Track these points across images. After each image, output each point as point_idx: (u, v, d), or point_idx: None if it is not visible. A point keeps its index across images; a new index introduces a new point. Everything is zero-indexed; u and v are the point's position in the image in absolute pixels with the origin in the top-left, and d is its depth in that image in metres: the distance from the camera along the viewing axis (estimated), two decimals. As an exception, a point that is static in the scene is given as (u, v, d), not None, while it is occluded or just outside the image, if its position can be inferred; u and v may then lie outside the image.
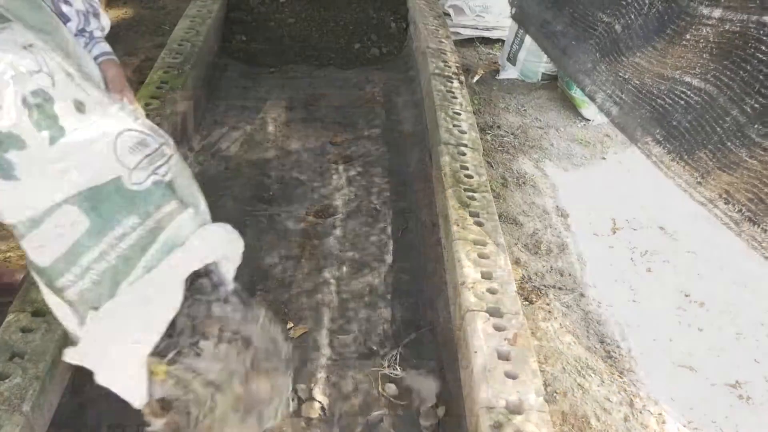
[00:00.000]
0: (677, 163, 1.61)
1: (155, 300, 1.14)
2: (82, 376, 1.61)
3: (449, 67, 2.84)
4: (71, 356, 1.15)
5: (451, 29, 3.73)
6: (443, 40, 3.11)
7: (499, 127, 3.35)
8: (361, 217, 2.35)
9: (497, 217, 1.98)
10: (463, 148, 2.28)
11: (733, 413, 1.93)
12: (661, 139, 1.68)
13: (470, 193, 2.05)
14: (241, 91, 3.16)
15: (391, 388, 1.69)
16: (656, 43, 1.70)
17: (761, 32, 1.35)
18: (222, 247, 1.26)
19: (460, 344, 1.63)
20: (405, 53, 3.50)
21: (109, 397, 1.62)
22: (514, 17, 2.97)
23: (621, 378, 2.03)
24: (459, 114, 2.49)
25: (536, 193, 2.85)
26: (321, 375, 1.73)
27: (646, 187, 2.86)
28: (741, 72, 1.42)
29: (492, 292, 1.68)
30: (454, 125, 2.41)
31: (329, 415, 1.63)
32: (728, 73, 1.47)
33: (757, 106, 1.36)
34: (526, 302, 2.27)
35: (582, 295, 2.33)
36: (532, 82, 3.77)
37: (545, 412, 1.38)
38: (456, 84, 2.72)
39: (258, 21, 3.59)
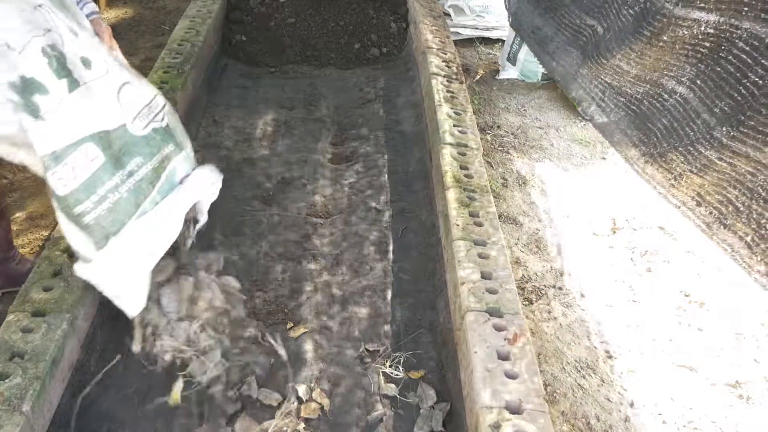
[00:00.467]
0: (651, 165, 1.61)
1: (161, 229, 1.38)
2: (82, 376, 1.62)
3: (449, 67, 2.84)
4: (81, 271, 1.38)
5: (451, 29, 3.74)
6: (443, 40, 3.11)
7: (499, 127, 3.35)
8: (361, 217, 2.35)
9: (497, 217, 1.98)
10: (463, 148, 2.28)
11: (733, 413, 1.94)
12: (637, 142, 1.68)
13: (470, 193, 2.05)
14: (241, 91, 3.16)
15: (391, 388, 1.69)
16: (634, 45, 1.71)
17: (734, 35, 1.35)
18: (209, 186, 1.52)
19: (460, 344, 1.63)
20: (405, 53, 3.50)
21: (108, 397, 1.62)
22: (511, 25, 2.98)
23: (621, 378, 2.03)
24: (459, 114, 2.49)
25: (536, 193, 2.86)
26: (320, 375, 1.73)
27: (646, 187, 2.86)
28: (713, 74, 1.42)
29: (492, 292, 1.68)
30: (454, 125, 2.41)
31: (329, 415, 1.63)
32: (702, 75, 1.47)
33: (726, 108, 1.36)
34: (526, 302, 2.27)
35: (582, 295, 2.33)
36: (532, 82, 3.77)
37: (545, 412, 1.38)
38: (456, 84, 2.72)
39: (258, 21, 3.59)
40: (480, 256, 1.80)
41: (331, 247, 2.20)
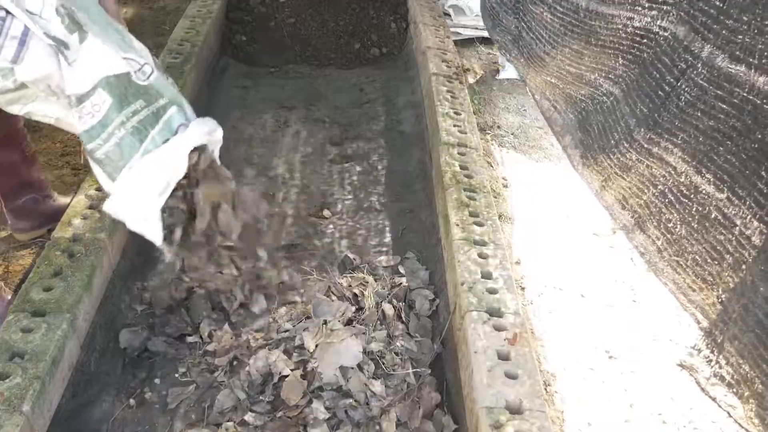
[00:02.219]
0: (587, 167, 1.61)
1: (167, 167, 1.56)
2: (82, 375, 1.62)
3: (449, 67, 2.84)
4: (107, 207, 1.55)
5: (451, 29, 3.73)
6: (443, 40, 3.11)
7: (499, 127, 3.35)
8: (361, 217, 2.35)
9: (497, 217, 1.98)
10: (463, 148, 2.28)
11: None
12: (578, 143, 1.68)
13: (470, 193, 2.05)
14: (241, 91, 3.16)
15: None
16: (572, 44, 1.71)
17: (660, 36, 1.35)
18: (211, 132, 1.69)
19: (460, 344, 1.63)
20: (405, 53, 3.50)
21: (109, 396, 1.62)
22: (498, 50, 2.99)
23: (621, 378, 2.03)
24: (459, 114, 2.49)
25: (536, 193, 2.86)
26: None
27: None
28: (638, 75, 1.42)
29: (492, 292, 1.68)
30: (454, 125, 2.41)
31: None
32: (630, 75, 1.47)
33: (645, 109, 1.36)
34: (526, 302, 2.27)
35: (582, 295, 2.33)
36: (532, 82, 3.77)
37: (545, 413, 1.38)
38: (456, 84, 2.72)
39: (258, 21, 3.59)
40: (480, 256, 1.80)
41: (332, 247, 2.20)
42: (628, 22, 1.46)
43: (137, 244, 1.95)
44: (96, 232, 1.78)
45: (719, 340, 1.09)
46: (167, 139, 1.56)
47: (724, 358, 1.07)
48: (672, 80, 1.26)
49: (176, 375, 1.70)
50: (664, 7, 1.33)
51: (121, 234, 1.91)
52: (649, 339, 2.17)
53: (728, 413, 1.30)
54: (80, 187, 1.96)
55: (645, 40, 1.40)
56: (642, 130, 1.35)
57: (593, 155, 1.57)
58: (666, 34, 1.32)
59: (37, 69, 1.42)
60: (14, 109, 1.51)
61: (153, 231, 1.59)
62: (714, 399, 1.62)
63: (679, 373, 2.06)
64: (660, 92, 1.30)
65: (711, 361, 1.10)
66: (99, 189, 1.92)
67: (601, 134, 1.54)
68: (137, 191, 1.55)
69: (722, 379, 1.08)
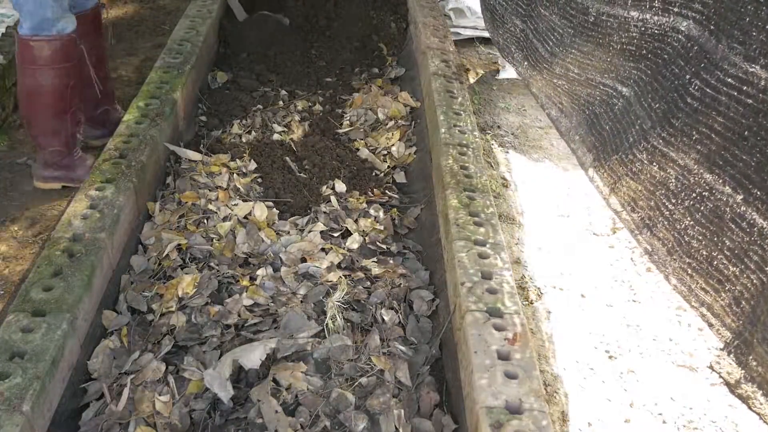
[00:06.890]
0: (598, 170, 1.60)
1: None
2: (81, 375, 1.62)
3: (449, 67, 2.84)
4: None
5: (452, 29, 3.73)
6: (443, 40, 3.10)
7: (499, 127, 3.35)
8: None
9: (497, 217, 1.98)
10: (463, 148, 2.28)
11: (733, 413, 1.94)
12: (590, 147, 1.67)
13: (470, 193, 2.05)
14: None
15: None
16: (582, 47, 1.69)
17: (673, 38, 1.34)
18: None
19: (460, 344, 1.63)
20: (405, 53, 3.50)
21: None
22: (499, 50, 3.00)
23: (621, 378, 2.03)
24: (459, 114, 2.49)
25: (536, 193, 2.86)
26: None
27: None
28: (651, 76, 1.41)
29: (492, 292, 1.68)
30: (454, 125, 2.41)
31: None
32: (643, 77, 1.45)
33: (659, 110, 1.35)
34: (526, 302, 2.27)
35: (582, 295, 2.33)
36: (532, 82, 3.76)
37: (545, 412, 1.38)
38: (456, 84, 2.72)
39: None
40: (480, 256, 1.80)
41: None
42: (644, 23, 1.45)
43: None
44: (96, 232, 1.78)
45: (748, 343, 1.08)
46: None
47: (755, 360, 1.06)
48: (685, 80, 1.25)
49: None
50: (677, 9, 1.32)
51: (121, 234, 1.91)
52: (649, 339, 2.17)
53: (759, 416, 1.29)
54: (80, 187, 1.96)
55: (659, 41, 1.39)
56: (656, 131, 1.34)
57: (606, 159, 1.56)
58: (680, 35, 1.31)
59: None
60: None
61: None
62: (745, 401, 1.62)
63: (679, 373, 2.06)
64: (674, 93, 1.29)
65: (741, 363, 1.09)
66: (99, 189, 1.92)
67: (615, 137, 1.53)
68: None
69: (753, 381, 1.07)
